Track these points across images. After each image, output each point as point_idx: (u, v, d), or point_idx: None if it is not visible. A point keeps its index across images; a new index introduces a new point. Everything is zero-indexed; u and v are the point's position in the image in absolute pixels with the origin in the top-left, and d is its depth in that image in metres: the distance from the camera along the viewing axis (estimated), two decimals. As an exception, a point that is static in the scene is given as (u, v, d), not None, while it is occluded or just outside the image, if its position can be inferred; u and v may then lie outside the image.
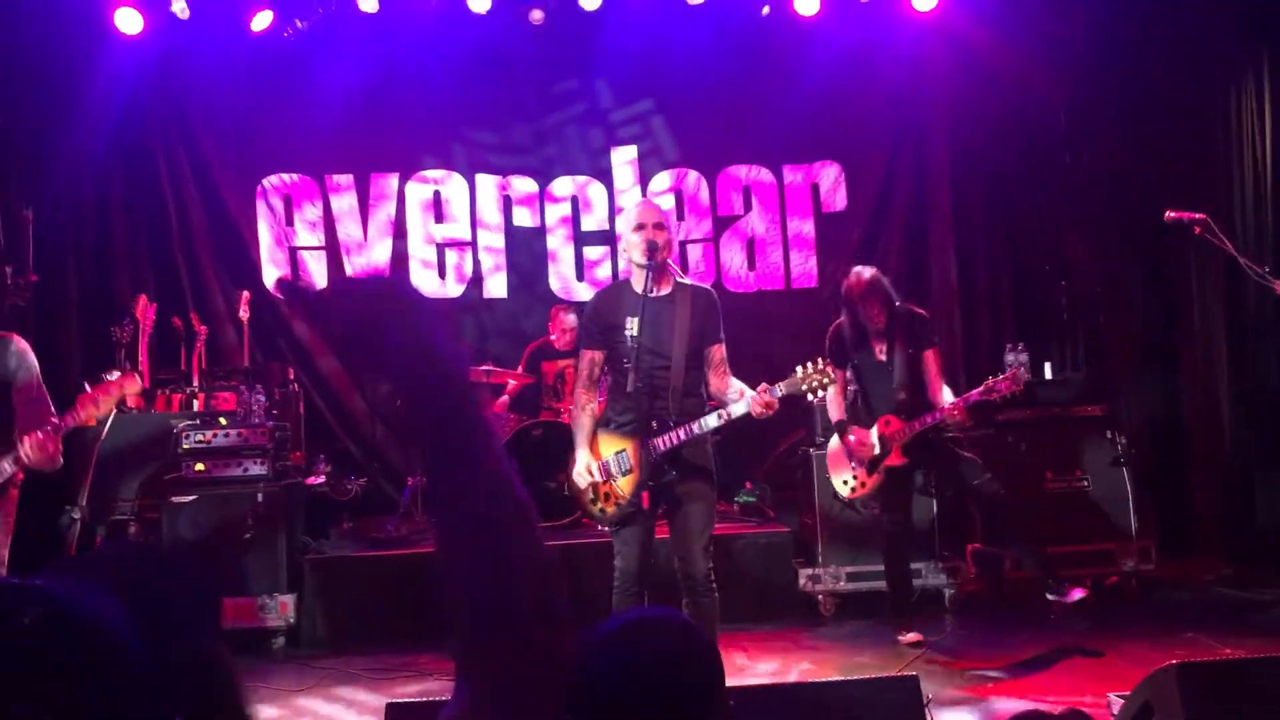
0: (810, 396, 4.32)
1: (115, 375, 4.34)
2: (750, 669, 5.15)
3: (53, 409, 4.38)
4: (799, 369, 4.27)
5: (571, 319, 7.59)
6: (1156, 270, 7.84)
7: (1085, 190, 8.04)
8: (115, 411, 6.13)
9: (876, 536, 6.19)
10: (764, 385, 4.17)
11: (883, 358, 5.51)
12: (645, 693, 1.47)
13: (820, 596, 6.24)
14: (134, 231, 8.07)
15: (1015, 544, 5.69)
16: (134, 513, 6.31)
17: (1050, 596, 5.44)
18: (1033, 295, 8.23)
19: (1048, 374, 7.01)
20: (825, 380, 4.24)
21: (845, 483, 5.67)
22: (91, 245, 7.89)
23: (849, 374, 5.60)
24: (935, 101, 8.34)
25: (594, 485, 4.37)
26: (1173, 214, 5.17)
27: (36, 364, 4.39)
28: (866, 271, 5.52)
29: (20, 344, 4.38)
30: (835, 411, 5.62)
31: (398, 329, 1.10)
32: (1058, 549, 6.14)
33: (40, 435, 4.08)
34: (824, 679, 4.63)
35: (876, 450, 5.45)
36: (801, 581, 6.26)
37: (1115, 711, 3.35)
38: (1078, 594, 5.34)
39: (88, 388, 4.24)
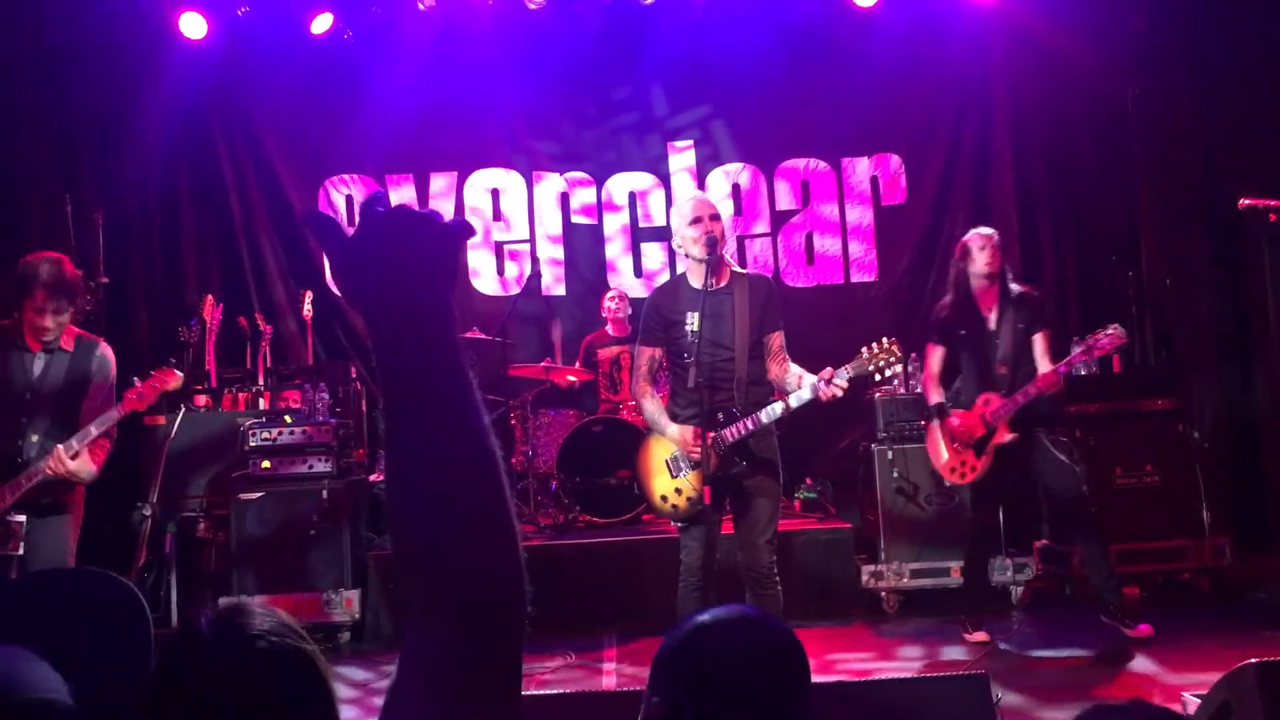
0: (878, 376, 4.24)
1: (157, 372, 4.46)
2: (813, 667, 5.10)
3: (110, 427, 4.49)
4: (864, 350, 4.22)
5: (614, 303, 7.66)
6: (1230, 259, 7.62)
7: (1154, 178, 7.85)
8: (184, 410, 6.29)
9: (941, 532, 6.12)
10: (829, 369, 4.13)
11: (992, 327, 5.36)
12: (740, 685, 1.49)
13: (884, 593, 6.17)
14: (200, 233, 8.22)
15: (1095, 568, 5.43)
16: (203, 510, 6.43)
17: (1105, 619, 5.30)
18: (1100, 285, 8.05)
19: (1116, 366, 6.86)
20: (892, 359, 4.18)
21: (953, 469, 5.41)
22: (159, 247, 8.05)
23: (946, 352, 5.48)
24: (996, 89, 8.20)
25: (671, 478, 4.35)
26: (1247, 201, 5.02)
27: (114, 372, 4.53)
28: (987, 228, 5.51)
29: (105, 350, 4.55)
30: (934, 394, 5.46)
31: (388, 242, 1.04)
32: (1127, 545, 6.03)
33: (64, 449, 4.25)
34: (891, 677, 4.58)
35: (981, 431, 5.27)
36: (864, 578, 6.20)
37: (1191, 711, 3.26)
38: (1145, 631, 5.19)
39: (137, 383, 4.41)
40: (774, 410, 4.22)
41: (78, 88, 7.37)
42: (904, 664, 5.20)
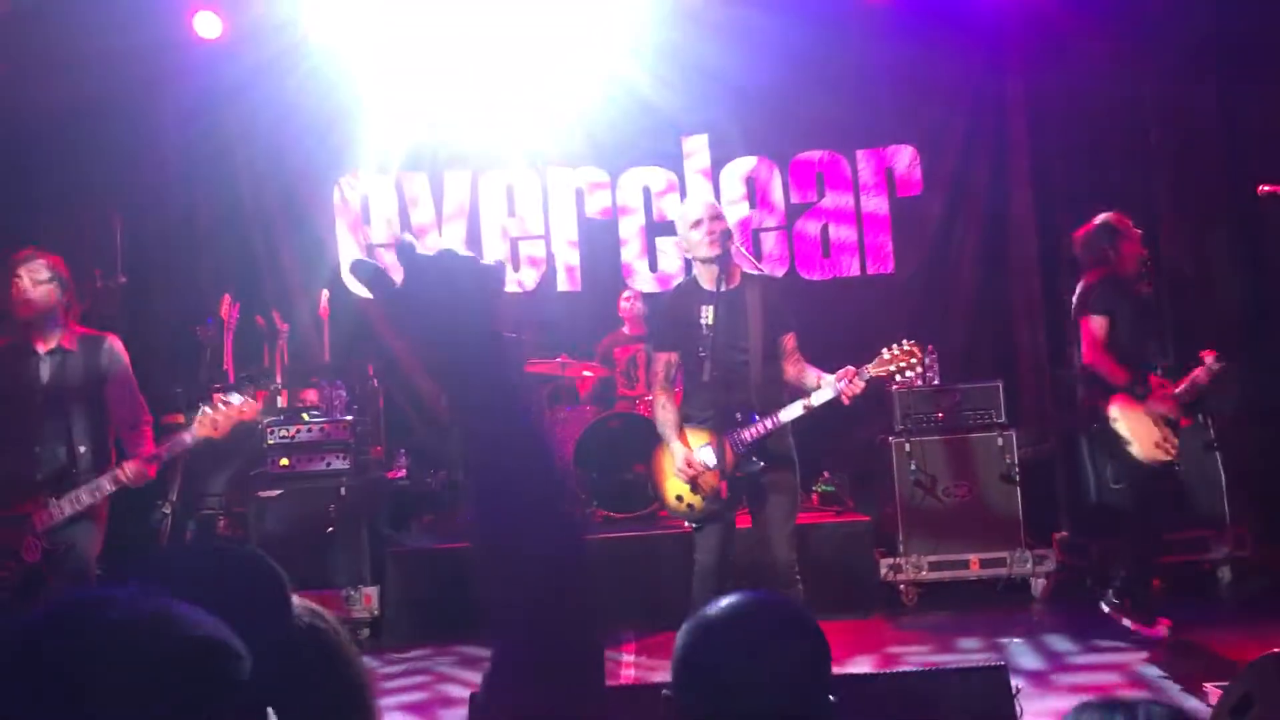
0: (898, 378, 4.24)
1: (237, 399, 4.32)
2: (832, 659, 5.09)
3: (144, 406, 4.53)
4: (885, 350, 4.21)
5: (629, 303, 7.67)
6: (1250, 248, 7.56)
7: (1174, 168, 7.79)
8: (203, 409, 6.32)
9: (958, 525, 6.11)
10: (849, 368, 4.12)
11: (1141, 304, 5.24)
12: (758, 673, 1.47)
13: (902, 586, 6.16)
14: (217, 232, 8.25)
15: (1131, 560, 5.27)
16: (222, 508, 6.46)
17: (1129, 623, 5.10)
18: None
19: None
20: (912, 360, 4.17)
21: (1157, 445, 5.05)
22: (177, 247, 8.09)
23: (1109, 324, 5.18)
24: (1013, 79, 8.14)
25: (693, 478, 4.33)
26: (1267, 188, 4.99)
27: (128, 361, 4.55)
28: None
29: (113, 342, 4.57)
30: (1119, 374, 5.10)
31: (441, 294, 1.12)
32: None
33: (140, 465, 4.29)
34: (910, 668, 4.58)
35: (1176, 409, 5.08)
36: (883, 571, 6.19)
37: (1213, 702, 3.24)
38: (1163, 629, 5.08)
39: (214, 401, 4.32)
40: (793, 410, 4.21)
41: (94, 88, 7.40)
42: (923, 655, 5.18)
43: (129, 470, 4.27)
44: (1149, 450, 5.08)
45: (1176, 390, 5.09)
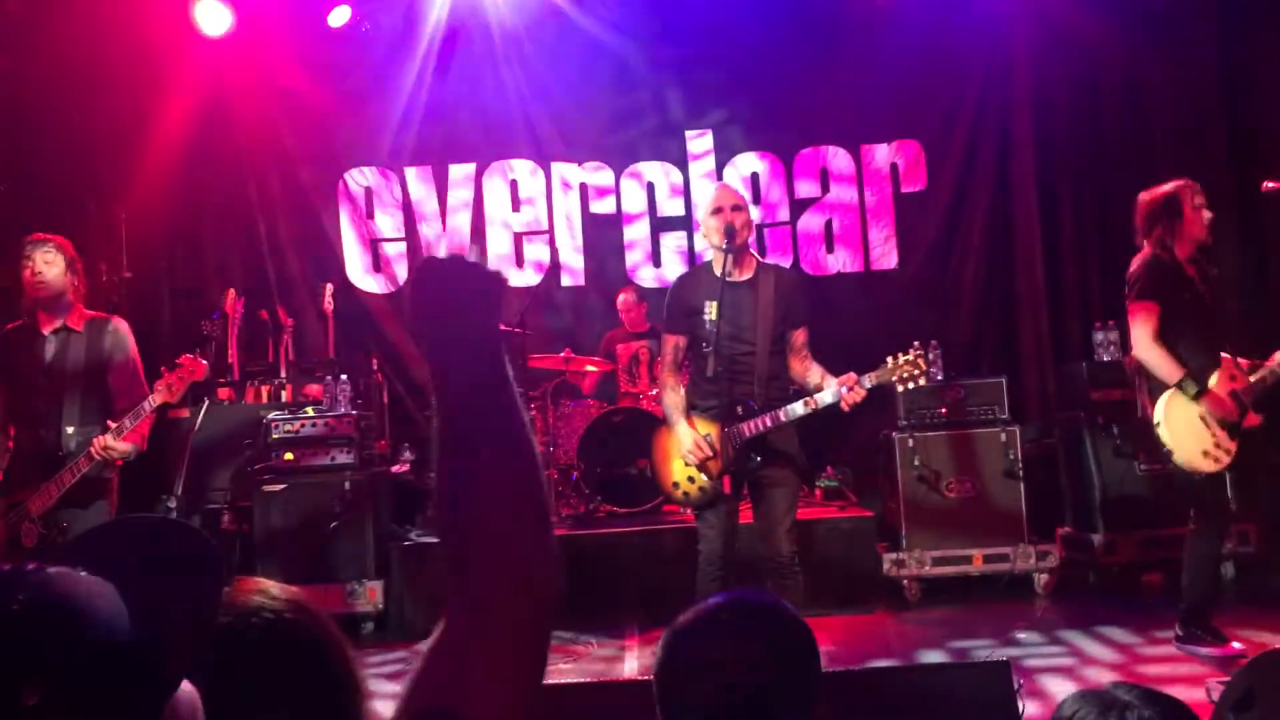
0: (900, 388, 4.22)
1: (187, 362, 4.41)
2: (835, 655, 5.11)
3: (147, 388, 4.53)
4: (889, 359, 4.18)
5: (628, 299, 7.68)
6: (1255, 246, 7.55)
7: (1178, 161, 7.76)
8: (207, 403, 6.33)
9: (962, 520, 6.11)
10: (852, 375, 4.12)
11: (1202, 287, 4.71)
12: (734, 688, 1.43)
13: (905, 581, 6.16)
14: (221, 226, 8.27)
15: (1188, 586, 4.79)
16: (227, 502, 6.47)
17: (1205, 650, 4.63)
18: (1123, 271, 7.97)
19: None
20: (916, 371, 4.14)
21: (1205, 454, 4.60)
22: (181, 241, 8.10)
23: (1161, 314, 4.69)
24: (1018, 73, 8.13)
25: (698, 462, 4.33)
26: (1272, 185, 4.98)
27: (133, 345, 4.56)
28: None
29: (119, 325, 4.58)
30: (1169, 368, 4.63)
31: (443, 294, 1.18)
32: (1153, 532, 6.00)
33: (108, 437, 4.30)
34: (913, 664, 4.58)
35: (1237, 411, 4.61)
36: (886, 566, 6.19)
37: (1215, 698, 3.25)
38: (1236, 645, 4.62)
39: (164, 372, 4.39)
40: (794, 410, 4.20)
41: (99, 82, 7.41)
42: (926, 651, 5.18)
43: (98, 444, 4.27)
44: (1195, 459, 4.60)
45: (1239, 387, 4.63)
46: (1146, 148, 7.85)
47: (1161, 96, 7.83)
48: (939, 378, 6.48)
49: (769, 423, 4.23)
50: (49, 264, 4.42)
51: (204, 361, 4.53)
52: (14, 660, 0.80)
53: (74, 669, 0.82)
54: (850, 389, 4.09)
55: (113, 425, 4.33)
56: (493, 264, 1.20)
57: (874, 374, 4.15)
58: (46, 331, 4.47)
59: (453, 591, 1.13)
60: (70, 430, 4.40)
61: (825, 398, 4.14)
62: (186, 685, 0.96)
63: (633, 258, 8.56)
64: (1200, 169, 7.61)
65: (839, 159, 8.46)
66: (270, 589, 1.22)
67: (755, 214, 8.30)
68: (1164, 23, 7.63)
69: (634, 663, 5.20)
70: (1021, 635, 5.26)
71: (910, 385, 4.21)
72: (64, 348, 4.47)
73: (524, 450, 1.14)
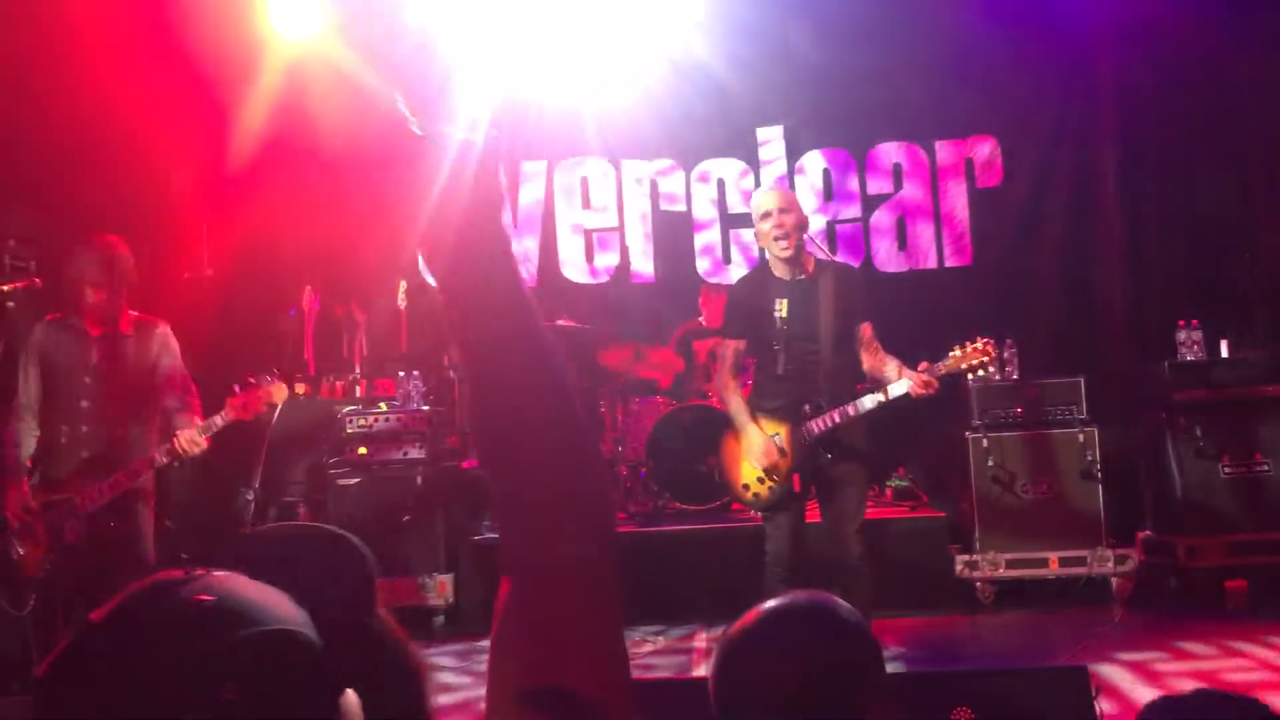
0: (970, 376, 4.20)
1: (263, 382, 4.45)
2: (907, 657, 5.05)
3: (193, 386, 4.59)
4: (957, 348, 4.16)
5: (713, 294, 7.62)
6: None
7: (1271, 157, 7.54)
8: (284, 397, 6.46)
9: (1038, 522, 5.99)
10: (924, 364, 4.09)
11: None
12: (787, 690, 1.42)
13: (978, 584, 6.06)
14: (298, 224, 8.39)
15: None
16: (302, 495, 6.60)
17: None
18: (1210, 268, 7.76)
19: (1224, 352, 6.60)
20: (985, 359, 4.12)
21: None
22: (261, 240, 8.24)
23: None
24: (1101, 69, 7.93)
25: (769, 466, 4.31)
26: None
27: (178, 351, 4.63)
28: None
29: (165, 330, 4.62)
30: None
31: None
32: (1237, 537, 5.82)
33: (190, 432, 4.36)
34: (987, 668, 4.51)
35: None
36: (958, 568, 6.09)
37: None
38: None
39: (237, 390, 4.42)
40: (866, 403, 4.18)
41: (179, 83, 7.56)
42: (1001, 655, 5.10)
43: (183, 437, 4.33)
44: None
45: None
46: (1234, 146, 7.62)
47: (1249, 93, 7.59)
48: (1015, 376, 6.38)
49: (837, 418, 4.20)
50: (99, 264, 4.42)
51: (283, 385, 4.55)
52: (210, 655, 0.81)
53: (264, 666, 0.83)
54: (924, 380, 4.05)
55: (200, 422, 4.40)
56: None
57: (944, 364, 4.14)
58: (95, 333, 4.47)
59: (507, 554, 1.10)
60: (118, 432, 4.42)
61: (897, 389, 4.12)
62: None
63: (704, 254, 8.54)
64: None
65: (912, 155, 8.35)
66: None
67: (828, 210, 8.27)
68: (1251, 17, 7.40)
69: (702, 662, 5.19)
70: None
71: (980, 373, 4.20)
72: (112, 350, 4.48)
73: (551, 372, 1.12)
